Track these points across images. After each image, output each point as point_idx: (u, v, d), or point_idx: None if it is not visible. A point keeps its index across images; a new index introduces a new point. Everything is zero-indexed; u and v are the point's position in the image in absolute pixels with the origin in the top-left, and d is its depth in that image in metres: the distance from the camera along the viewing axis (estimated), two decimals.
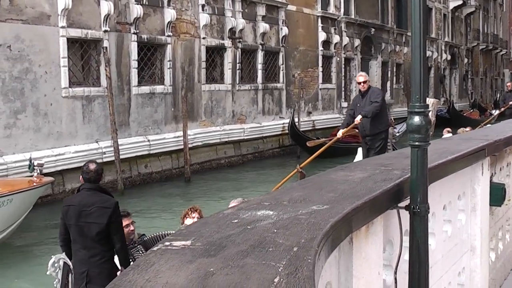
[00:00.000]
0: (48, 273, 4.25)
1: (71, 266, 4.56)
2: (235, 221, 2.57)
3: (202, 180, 18.62)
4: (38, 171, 12.48)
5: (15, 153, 14.76)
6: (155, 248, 2.15)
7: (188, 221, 7.01)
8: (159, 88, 19.19)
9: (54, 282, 4.21)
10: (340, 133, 11.69)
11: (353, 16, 31.59)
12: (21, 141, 15.00)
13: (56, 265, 4.33)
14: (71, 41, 16.32)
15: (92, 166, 6.61)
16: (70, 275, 4.41)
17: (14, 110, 14.85)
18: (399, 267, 3.65)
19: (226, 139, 22.01)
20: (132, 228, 6.82)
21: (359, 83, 11.57)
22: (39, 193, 12.94)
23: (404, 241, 3.66)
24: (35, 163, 12.61)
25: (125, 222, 6.67)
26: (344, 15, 30.62)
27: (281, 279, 1.84)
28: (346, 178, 3.74)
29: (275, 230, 2.43)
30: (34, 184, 12.30)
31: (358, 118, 11.08)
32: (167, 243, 2.21)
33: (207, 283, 1.79)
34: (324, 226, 2.51)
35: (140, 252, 6.61)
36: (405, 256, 3.69)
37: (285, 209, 2.82)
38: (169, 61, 19.46)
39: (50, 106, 15.68)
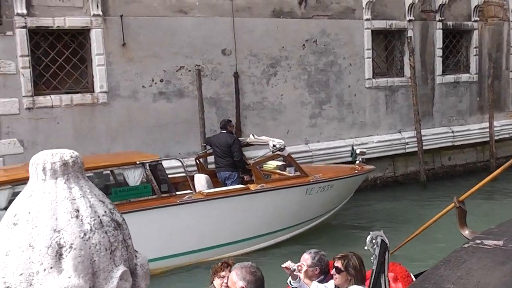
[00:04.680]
0: (366, 248, 4.32)
1: (388, 244, 4.41)
2: None
3: (509, 176, 17.59)
4: (360, 159, 12.83)
5: (320, 141, 15.59)
6: (465, 245, 2.02)
7: (217, 282, 5.80)
8: (464, 77, 18.56)
9: (371, 258, 4.27)
10: None
11: None
12: (325, 130, 15.80)
13: (373, 241, 4.34)
14: (375, 33, 16.61)
15: None
16: (387, 252, 4.36)
17: (319, 101, 15.70)
18: None
19: None
20: None
21: None
22: (360, 181, 13.26)
23: None
24: (357, 151, 12.99)
25: None
26: None
27: None
28: None
29: None
30: (356, 171, 12.66)
31: None
32: (478, 241, 2.06)
33: None
34: None
35: None
36: None
37: None
38: (475, 47, 18.69)
39: (354, 97, 16.23)
